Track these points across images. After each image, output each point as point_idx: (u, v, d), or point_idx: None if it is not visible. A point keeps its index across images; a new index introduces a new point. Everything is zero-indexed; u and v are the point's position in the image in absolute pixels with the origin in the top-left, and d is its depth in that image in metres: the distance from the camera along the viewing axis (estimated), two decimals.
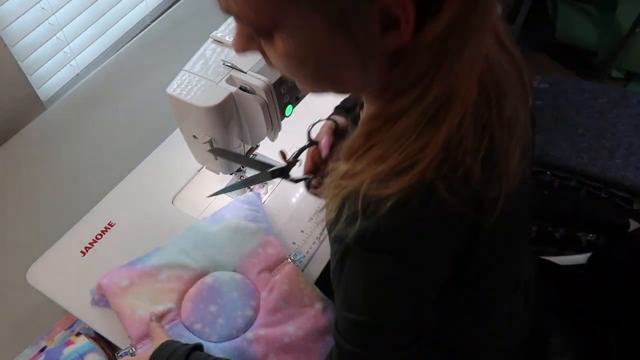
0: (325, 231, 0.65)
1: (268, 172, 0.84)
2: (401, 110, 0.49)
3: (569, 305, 1.11)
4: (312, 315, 0.85)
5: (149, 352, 0.76)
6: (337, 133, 0.86)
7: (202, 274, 0.89)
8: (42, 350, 0.93)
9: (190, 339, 0.82)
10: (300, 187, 0.97)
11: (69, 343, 0.92)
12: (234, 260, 0.91)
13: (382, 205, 0.50)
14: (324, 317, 0.85)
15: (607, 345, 1.04)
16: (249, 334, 0.83)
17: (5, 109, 0.96)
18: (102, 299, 0.89)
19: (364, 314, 0.59)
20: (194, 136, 0.86)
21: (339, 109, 0.91)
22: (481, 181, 0.52)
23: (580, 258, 1.23)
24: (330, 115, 0.89)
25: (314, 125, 0.86)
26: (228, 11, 0.47)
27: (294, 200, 1.04)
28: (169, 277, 0.88)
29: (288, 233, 0.98)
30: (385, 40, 0.46)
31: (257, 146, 1.00)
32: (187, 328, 0.84)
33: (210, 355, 0.75)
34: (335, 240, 0.58)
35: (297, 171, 0.85)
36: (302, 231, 0.98)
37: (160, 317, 0.84)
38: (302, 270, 0.92)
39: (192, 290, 0.88)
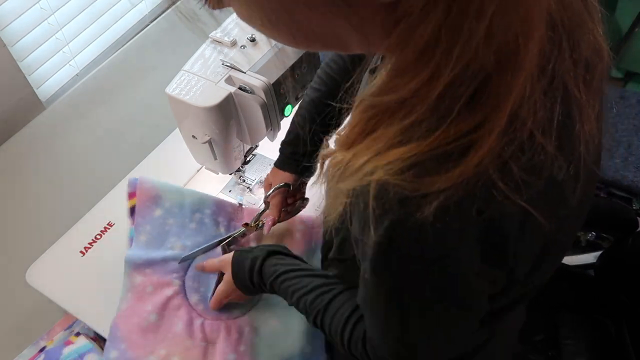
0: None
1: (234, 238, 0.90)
2: (418, 87, 0.36)
3: (581, 306, 1.11)
4: None
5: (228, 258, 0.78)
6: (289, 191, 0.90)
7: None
8: (42, 350, 0.94)
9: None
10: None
11: (68, 343, 0.92)
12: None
13: (422, 207, 0.38)
14: None
15: (622, 344, 1.04)
16: None
17: (4, 109, 0.96)
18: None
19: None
20: (193, 136, 0.86)
21: (285, 148, 0.90)
22: (553, 162, 0.39)
23: (589, 257, 1.23)
24: (279, 163, 0.90)
25: (270, 193, 0.88)
26: None
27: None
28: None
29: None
30: None
31: (257, 146, 1.00)
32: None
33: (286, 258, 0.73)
34: (357, 245, 0.48)
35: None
36: None
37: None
38: None
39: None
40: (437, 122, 0.37)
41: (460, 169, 0.36)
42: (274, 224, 0.88)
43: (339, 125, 0.77)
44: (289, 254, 0.74)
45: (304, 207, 0.94)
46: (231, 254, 0.79)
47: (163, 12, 1.18)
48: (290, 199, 0.92)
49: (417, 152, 0.37)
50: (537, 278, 0.54)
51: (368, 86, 0.42)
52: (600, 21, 0.43)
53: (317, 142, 0.87)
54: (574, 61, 0.40)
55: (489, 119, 0.36)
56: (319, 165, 0.49)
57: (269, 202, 0.90)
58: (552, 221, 0.42)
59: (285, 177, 0.89)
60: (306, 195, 0.95)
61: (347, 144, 0.42)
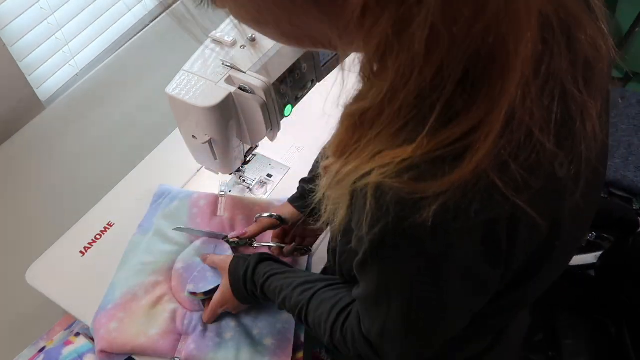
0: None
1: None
2: (396, 82, 0.35)
3: (581, 306, 1.11)
4: None
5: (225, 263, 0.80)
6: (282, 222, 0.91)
7: (170, 267, 0.91)
8: (42, 350, 0.94)
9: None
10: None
11: (68, 343, 0.92)
12: (183, 235, 0.94)
13: (421, 209, 0.37)
14: None
15: (622, 344, 1.04)
16: None
17: (4, 109, 0.96)
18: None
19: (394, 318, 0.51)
20: (193, 136, 0.86)
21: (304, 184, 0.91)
22: (552, 160, 0.39)
23: (589, 257, 1.23)
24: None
25: (261, 216, 0.91)
26: None
27: None
28: (146, 290, 0.89)
29: None
30: None
31: (257, 146, 1.00)
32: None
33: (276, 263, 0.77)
34: (360, 243, 0.48)
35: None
36: None
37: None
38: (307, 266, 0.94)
39: (174, 284, 0.89)
40: (416, 127, 0.37)
41: (458, 173, 0.36)
42: (239, 235, 0.91)
43: None
44: (278, 261, 0.79)
45: (303, 254, 0.94)
46: (231, 257, 0.81)
47: (163, 11, 1.18)
48: (289, 237, 0.93)
49: (410, 155, 0.37)
50: (537, 282, 0.53)
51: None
52: (604, 18, 0.42)
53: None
54: (571, 60, 0.40)
55: (484, 122, 0.35)
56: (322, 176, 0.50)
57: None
58: (549, 221, 0.41)
59: (286, 209, 0.91)
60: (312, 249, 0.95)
61: (338, 154, 0.43)
